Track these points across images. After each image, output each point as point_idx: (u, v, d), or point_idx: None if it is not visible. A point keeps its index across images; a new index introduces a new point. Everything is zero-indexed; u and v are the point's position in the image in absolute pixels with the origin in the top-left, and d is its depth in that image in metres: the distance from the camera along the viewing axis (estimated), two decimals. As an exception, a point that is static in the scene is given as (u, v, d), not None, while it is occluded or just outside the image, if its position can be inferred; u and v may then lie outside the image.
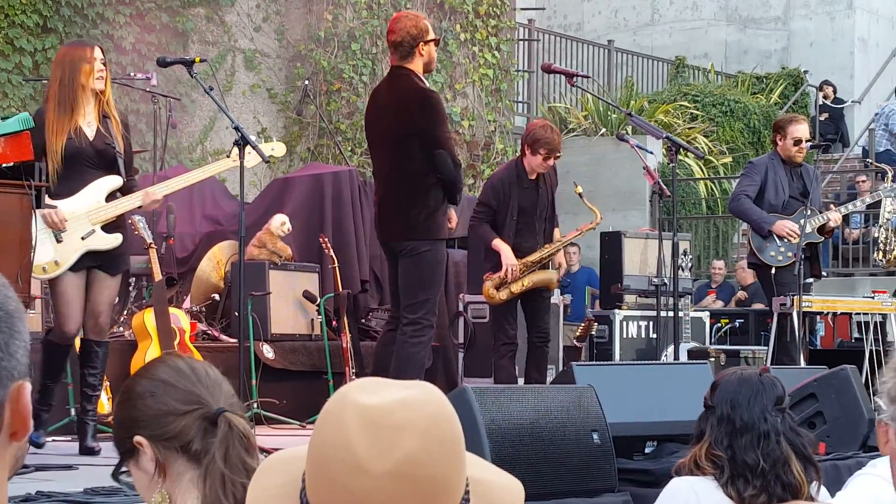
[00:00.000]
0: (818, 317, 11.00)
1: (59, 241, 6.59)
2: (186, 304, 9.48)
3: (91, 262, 6.68)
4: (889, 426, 1.71)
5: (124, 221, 6.90)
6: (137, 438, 2.23)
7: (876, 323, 9.65)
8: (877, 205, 15.08)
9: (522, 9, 17.57)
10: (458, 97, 14.66)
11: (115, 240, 6.73)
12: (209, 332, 9.24)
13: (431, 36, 7.43)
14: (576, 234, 9.08)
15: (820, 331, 12.52)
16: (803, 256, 8.92)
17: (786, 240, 9.00)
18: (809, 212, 9.03)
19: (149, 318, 8.06)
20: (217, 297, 9.59)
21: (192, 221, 10.75)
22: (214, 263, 9.79)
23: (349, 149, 13.71)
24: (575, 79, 8.14)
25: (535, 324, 8.70)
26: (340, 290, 9.60)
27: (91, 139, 6.65)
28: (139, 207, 6.91)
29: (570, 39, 19.30)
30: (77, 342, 6.84)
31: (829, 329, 12.66)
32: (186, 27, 13.05)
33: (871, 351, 9.45)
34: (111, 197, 6.74)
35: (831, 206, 9.42)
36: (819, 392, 6.33)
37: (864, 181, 16.58)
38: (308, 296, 9.66)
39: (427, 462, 1.60)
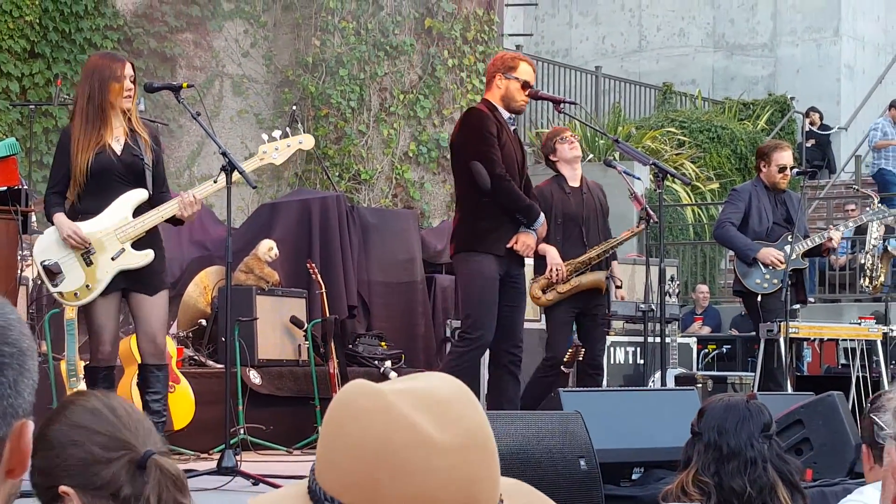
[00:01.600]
0: (805, 343, 11.02)
1: (88, 263, 6.40)
2: (173, 329, 9.45)
3: (125, 284, 6.46)
4: (891, 445, 1.71)
5: (156, 236, 6.61)
6: (63, 488, 2.05)
7: (863, 349, 9.66)
8: (864, 230, 15.14)
9: (510, 35, 17.63)
10: (445, 122, 14.67)
11: (146, 257, 6.49)
12: (196, 357, 9.21)
13: (517, 74, 7.46)
14: (628, 235, 9.09)
15: (807, 357, 12.53)
16: (789, 283, 8.94)
17: (770, 267, 9.02)
18: (793, 238, 9.06)
19: (135, 343, 8.02)
20: (204, 322, 9.56)
21: (179, 246, 10.73)
22: (201, 289, 9.76)
23: (336, 174, 13.72)
24: (562, 105, 8.17)
25: (587, 352, 8.69)
26: (328, 315, 9.58)
27: (119, 153, 6.45)
28: (175, 220, 6.61)
29: (557, 66, 19.35)
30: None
31: (816, 355, 12.67)
32: (174, 52, 13.06)
33: (857, 377, 9.46)
34: (138, 212, 6.52)
35: (830, 227, 9.46)
36: (806, 418, 6.32)
37: (852, 209, 16.61)
38: (295, 321, 9.64)
39: (486, 428, 1.58)
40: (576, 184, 8.75)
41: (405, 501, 1.53)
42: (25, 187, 7.04)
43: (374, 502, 1.54)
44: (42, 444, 2.07)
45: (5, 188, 6.79)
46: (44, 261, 6.43)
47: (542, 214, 7.55)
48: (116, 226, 6.45)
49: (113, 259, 6.44)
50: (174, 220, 6.67)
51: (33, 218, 8.07)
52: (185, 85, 6.88)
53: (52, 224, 6.53)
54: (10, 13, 11.80)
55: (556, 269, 8.48)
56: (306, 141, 7.22)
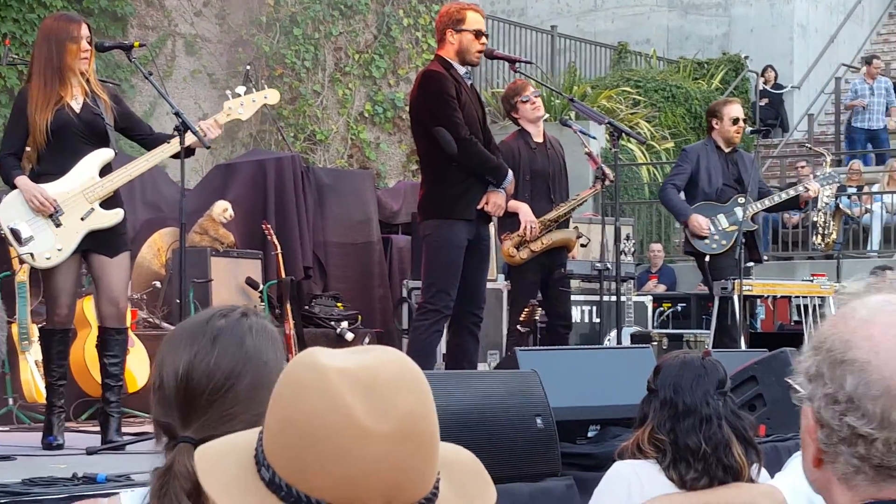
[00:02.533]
0: (759, 300, 11.09)
1: (58, 225, 6.32)
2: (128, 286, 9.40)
3: (87, 245, 6.39)
4: (807, 406, 1.70)
5: (119, 196, 6.55)
6: None
7: (815, 306, 9.73)
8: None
9: (465, -6, 17.56)
10: (401, 82, 14.63)
11: (116, 216, 6.45)
12: (150, 320, 9.17)
13: (466, 26, 7.35)
14: (591, 191, 9.08)
15: (760, 314, 12.63)
16: (743, 241, 8.98)
17: (719, 227, 9.08)
18: (745, 199, 9.09)
19: (88, 305, 7.98)
20: (158, 284, 9.51)
21: (131, 208, 10.64)
22: (155, 251, 9.72)
23: (291, 134, 13.66)
24: (517, 64, 8.15)
25: (557, 310, 8.71)
26: (283, 276, 9.55)
27: (78, 111, 6.38)
28: (190, 149, 6.51)
29: (513, 25, 19.31)
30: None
31: (770, 312, 12.77)
32: (126, 11, 12.93)
33: (810, 334, 9.53)
34: (105, 171, 6.47)
35: (809, 177, 9.48)
36: (759, 375, 6.37)
37: (803, 167, 16.72)
38: (251, 283, 9.61)
39: (426, 417, 1.57)
40: (539, 139, 8.74)
41: (330, 482, 1.53)
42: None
43: (302, 476, 1.55)
44: None
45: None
46: (10, 224, 6.34)
47: (510, 172, 7.51)
48: (84, 186, 6.39)
49: (82, 220, 6.38)
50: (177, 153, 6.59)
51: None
52: (136, 44, 6.82)
53: (12, 188, 6.43)
54: (-43, -28, 11.64)
55: (531, 227, 8.45)
56: (271, 95, 7.16)
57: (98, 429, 6.55)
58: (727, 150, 9.29)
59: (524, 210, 8.45)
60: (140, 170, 6.55)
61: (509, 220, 8.50)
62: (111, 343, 6.48)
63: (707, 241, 9.10)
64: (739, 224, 8.98)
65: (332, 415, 1.53)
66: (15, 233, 6.33)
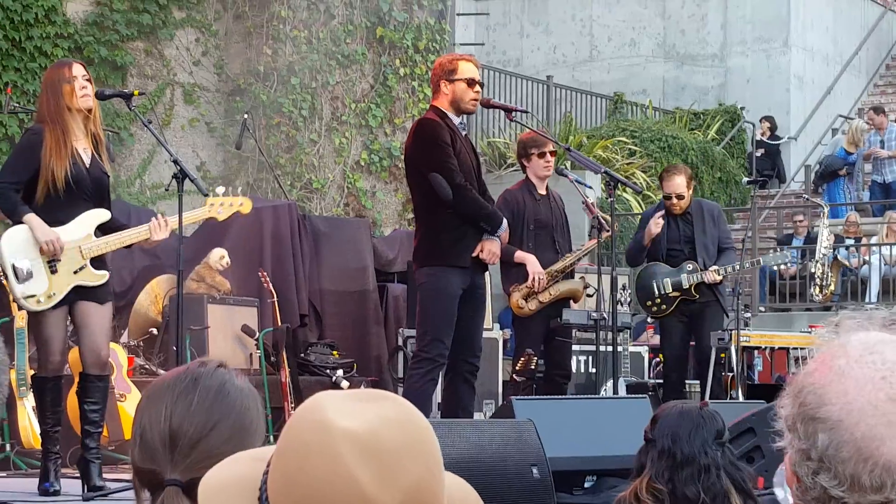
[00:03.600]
0: (756, 352, 11.08)
1: (53, 271, 6.36)
2: (124, 338, 9.39)
3: (75, 297, 6.44)
4: (788, 455, 1.66)
5: (107, 257, 6.69)
6: None
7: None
8: (813, 240, 15.25)
9: (462, 44, 17.65)
10: (397, 131, 14.67)
11: (102, 278, 6.54)
12: (147, 366, 9.16)
13: (459, 75, 7.37)
14: (594, 243, 9.09)
15: (758, 366, 12.60)
16: (738, 293, 9.01)
17: (663, 291, 9.17)
18: (692, 266, 9.13)
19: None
20: (155, 331, 9.50)
21: (129, 255, 10.67)
22: (152, 297, 9.71)
23: (288, 182, 13.67)
24: (514, 114, 8.18)
25: (556, 360, 8.70)
26: (279, 324, 9.55)
27: (88, 166, 6.45)
28: (145, 241, 6.65)
29: (509, 75, 19.39)
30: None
31: (767, 364, 12.73)
32: (125, 61, 12.98)
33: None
34: (97, 231, 6.55)
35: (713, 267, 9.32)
36: (757, 426, 6.35)
37: (801, 220, 16.73)
38: (247, 330, 9.60)
39: (431, 484, 1.56)
40: (543, 192, 8.79)
41: None
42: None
43: None
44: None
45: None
46: (14, 262, 6.35)
47: (504, 220, 7.52)
48: (82, 241, 6.45)
49: (75, 273, 6.43)
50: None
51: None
52: (136, 93, 6.89)
53: (14, 221, 6.44)
54: (-42, 20, 11.70)
55: (539, 278, 8.43)
56: (245, 204, 7.33)
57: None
58: (677, 212, 9.27)
59: (532, 261, 8.45)
60: (132, 240, 6.65)
61: (515, 271, 8.49)
62: (92, 389, 6.50)
63: (650, 303, 9.22)
64: (682, 290, 9.06)
65: (337, 482, 1.52)
66: (16, 270, 6.34)
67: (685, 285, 9.10)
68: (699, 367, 9.15)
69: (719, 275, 9.13)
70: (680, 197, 9.21)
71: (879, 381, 1.58)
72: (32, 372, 7.67)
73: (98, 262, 6.54)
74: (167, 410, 2.11)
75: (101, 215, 6.55)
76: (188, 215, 6.90)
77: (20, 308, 6.93)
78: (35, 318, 6.48)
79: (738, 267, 9.22)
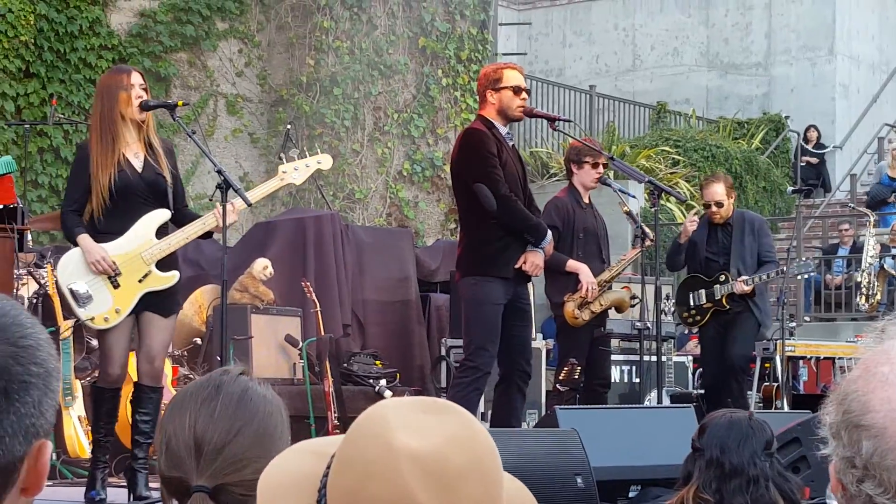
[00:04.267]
0: (801, 361, 11.01)
1: (115, 286, 6.33)
2: (168, 348, 9.43)
3: (142, 305, 6.39)
4: (833, 463, 1.64)
5: (175, 256, 6.58)
6: None
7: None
8: (859, 250, 15.15)
9: (504, 54, 17.63)
10: (440, 141, 14.68)
11: (172, 278, 6.47)
12: (191, 376, 9.18)
13: (504, 83, 7.37)
14: (636, 252, 9.03)
15: (803, 376, 12.52)
16: (784, 303, 8.97)
17: (698, 302, 9.20)
18: (724, 277, 9.11)
19: (132, 362, 7.99)
20: (199, 341, 9.53)
21: (173, 265, 10.72)
22: (196, 307, 9.75)
23: (331, 193, 13.71)
24: (557, 123, 8.15)
25: (596, 370, 8.66)
26: (322, 334, 9.56)
27: (140, 171, 6.38)
28: (209, 234, 6.57)
29: (551, 85, 19.37)
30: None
31: (813, 374, 12.65)
32: (169, 72, 13.06)
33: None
34: (161, 232, 6.48)
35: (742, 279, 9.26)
36: (803, 436, 6.31)
37: (846, 230, 16.62)
38: (290, 340, 9.61)
39: None
40: (587, 201, 8.75)
41: None
42: (21, 205, 7.00)
43: None
44: None
45: (1, 206, 6.77)
46: (71, 285, 6.35)
47: (549, 232, 7.49)
48: (142, 248, 6.39)
49: (140, 281, 6.38)
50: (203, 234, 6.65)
51: (28, 236, 8.04)
52: (180, 103, 6.85)
53: (73, 244, 6.44)
54: (5, 33, 11.80)
55: (591, 288, 8.39)
56: (325, 161, 7.18)
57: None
58: (718, 221, 9.23)
59: (584, 271, 8.39)
60: (196, 233, 6.55)
61: (563, 281, 8.44)
62: (145, 400, 6.49)
63: (686, 315, 9.23)
64: (714, 302, 9.05)
65: (398, 503, 1.52)
66: (74, 294, 6.33)
67: (717, 296, 9.09)
68: (722, 376, 9.10)
69: (748, 285, 9.08)
70: (719, 205, 9.17)
71: None
72: (78, 381, 7.72)
73: (166, 263, 6.47)
74: (191, 418, 2.13)
75: (160, 216, 6.47)
76: (262, 188, 6.84)
77: (73, 323, 6.95)
78: (99, 330, 6.46)
79: (766, 277, 9.17)
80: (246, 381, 2.21)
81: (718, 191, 9.20)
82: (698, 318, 9.17)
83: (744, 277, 9.05)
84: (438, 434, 1.55)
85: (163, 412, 8.10)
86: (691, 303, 9.17)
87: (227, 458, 2.09)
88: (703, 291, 9.17)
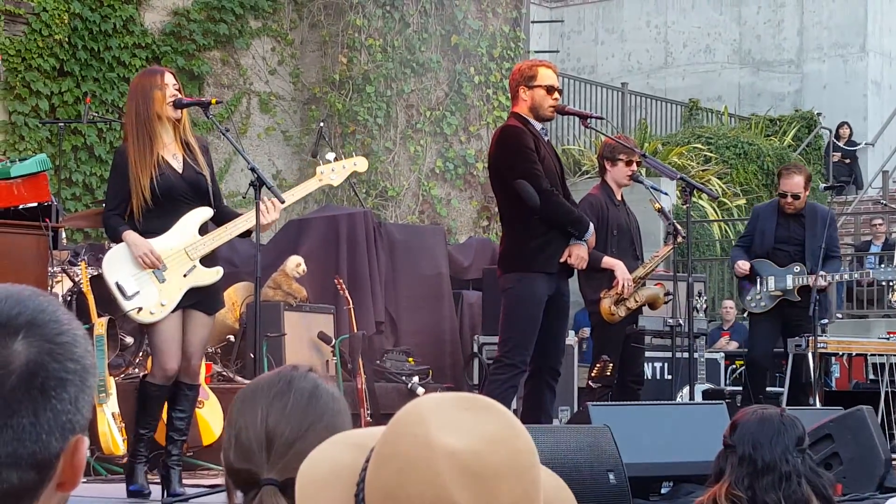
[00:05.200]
0: (833, 358, 10.98)
1: (161, 280, 6.35)
2: (206, 346, 9.48)
3: (188, 301, 6.41)
4: None
5: (219, 254, 6.62)
6: None
7: (891, 364, 9.63)
8: (891, 246, 15.09)
9: (536, 52, 17.64)
10: (472, 139, 14.70)
11: (217, 273, 6.49)
12: (224, 373, 9.24)
13: (538, 82, 7.38)
14: (668, 249, 9.01)
15: (835, 372, 12.48)
16: (817, 298, 8.93)
17: (766, 288, 9.10)
18: (799, 268, 9.04)
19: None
20: (232, 338, 9.59)
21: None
22: (230, 305, 9.79)
23: (364, 191, 13.75)
24: (589, 120, 8.14)
25: (630, 368, 8.66)
26: (355, 331, 9.60)
27: (181, 172, 6.40)
28: (248, 233, 6.57)
29: (583, 82, 19.36)
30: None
31: (845, 370, 12.62)
32: (202, 70, 13.13)
33: (886, 392, 9.43)
34: (202, 230, 6.50)
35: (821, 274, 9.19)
36: (835, 433, 6.31)
37: (879, 224, 16.56)
38: (323, 337, 9.66)
39: None
40: (619, 198, 8.74)
41: None
42: (55, 203, 7.05)
43: None
44: None
45: (36, 204, 6.82)
46: (117, 279, 6.39)
47: (591, 225, 7.49)
48: (186, 244, 6.42)
49: (185, 276, 6.41)
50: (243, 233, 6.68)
51: (62, 234, 8.10)
52: (213, 101, 6.85)
53: (115, 243, 6.47)
54: (39, 32, 11.89)
55: (627, 284, 8.38)
56: (360, 163, 7.22)
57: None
58: (790, 211, 9.18)
59: (620, 267, 8.38)
60: (239, 229, 6.56)
61: (598, 277, 8.43)
62: (181, 398, 6.50)
63: (750, 298, 9.14)
64: (785, 291, 8.99)
65: (432, 501, 1.52)
66: (120, 287, 6.38)
67: (790, 286, 9.02)
68: (771, 361, 9.13)
69: (826, 281, 9.05)
70: (796, 197, 9.14)
71: None
72: (112, 378, 7.77)
73: (209, 259, 6.50)
74: (263, 412, 2.15)
75: (203, 214, 6.50)
76: (300, 188, 6.87)
77: (107, 320, 6.97)
78: (149, 326, 6.48)
79: (846, 276, 9.17)
80: (315, 378, 2.23)
81: (798, 182, 9.18)
82: (763, 303, 9.09)
83: (823, 272, 9.00)
84: (477, 433, 1.55)
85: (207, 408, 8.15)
86: (758, 287, 9.10)
87: (297, 453, 2.10)
88: (772, 278, 9.11)
